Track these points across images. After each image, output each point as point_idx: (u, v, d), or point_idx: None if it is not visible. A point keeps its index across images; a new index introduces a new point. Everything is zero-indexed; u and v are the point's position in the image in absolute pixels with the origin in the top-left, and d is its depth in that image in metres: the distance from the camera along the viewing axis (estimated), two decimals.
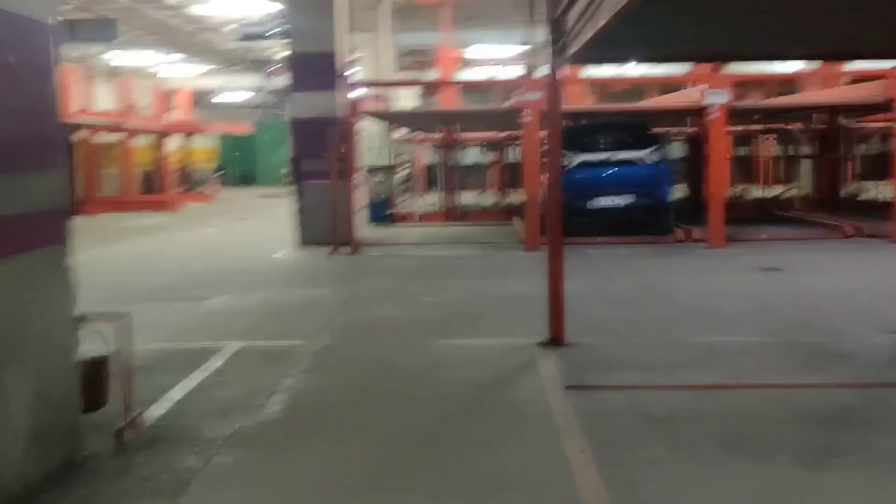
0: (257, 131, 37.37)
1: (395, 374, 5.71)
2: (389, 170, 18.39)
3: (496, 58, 28.30)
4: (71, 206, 4.24)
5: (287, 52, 14.34)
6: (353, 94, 13.97)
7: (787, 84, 20.40)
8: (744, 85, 19.15)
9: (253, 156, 39.28)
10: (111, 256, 13.10)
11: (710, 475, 3.83)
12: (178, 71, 31.51)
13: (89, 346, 4.33)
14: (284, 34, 16.37)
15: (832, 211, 15.72)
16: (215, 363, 6.01)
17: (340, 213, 12.88)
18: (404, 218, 17.73)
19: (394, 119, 18.75)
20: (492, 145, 21.52)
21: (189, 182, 30.13)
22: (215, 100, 37.12)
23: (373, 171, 17.73)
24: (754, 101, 18.09)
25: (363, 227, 14.83)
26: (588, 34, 4.93)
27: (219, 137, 36.63)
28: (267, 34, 22.35)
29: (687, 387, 5.22)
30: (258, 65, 30.34)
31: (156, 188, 27.44)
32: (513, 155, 19.84)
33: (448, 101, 22.90)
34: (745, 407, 4.80)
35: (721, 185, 12.22)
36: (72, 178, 22.52)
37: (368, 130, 18.38)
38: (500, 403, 5.01)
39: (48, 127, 3.97)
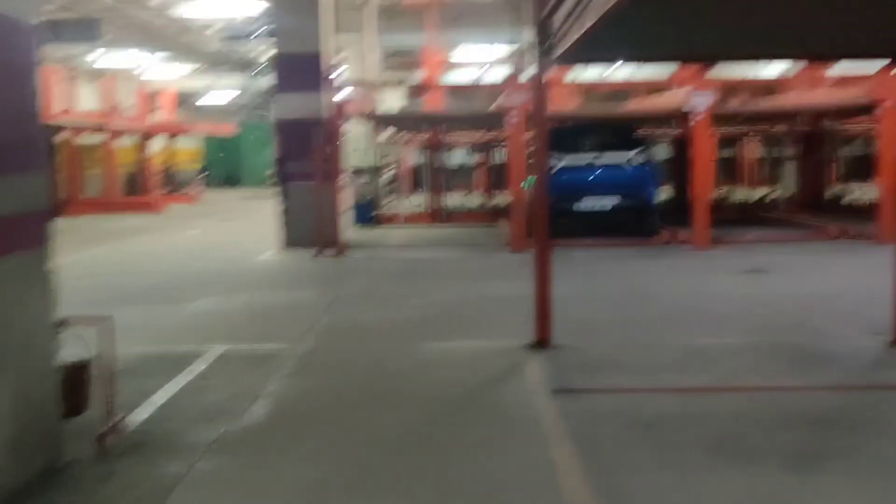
0: (242, 132, 37.16)
1: (379, 378, 5.67)
2: (375, 171, 18.34)
3: (482, 59, 28.31)
4: (53, 207, 4.18)
5: (272, 53, 14.25)
6: (338, 95, 13.92)
7: (772, 87, 20.51)
8: (729, 88, 19.22)
9: (238, 157, 39.08)
10: (94, 258, 12.99)
11: (696, 480, 3.82)
12: (162, 71, 31.32)
13: (70, 350, 4.27)
14: (269, 34, 16.30)
15: (816, 212, 15.81)
16: (199, 367, 5.95)
17: (325, 215, 12.82)
18: (390, 219, 17.68)
19: (379, 120, 18.69)
20: (478, 147, 21.51)
21: (173, 183, 29.96)
22: (200, 101, 36.92)
23: (358, 172, 17.69)
24: (739, 103, 18.15)
25: (348, 229, 14.78)
26: (575, 35, 4.91)
27: (203, 138, 36.41)
28: (252, 35, 22.26)
29: (674, 390, 5.21)
30: (243, 65, 30.22)
31: (139, 189, 27.26)
32: (499, 156, 19.84)
33: (434, 103, 22.87)
34: (731, 410, 4.80)
35: (706, 186, 12.25)
36: (54, 179, 22.42)
37: (354, 131, 18.33)
38: (487, 408, 4.98)
39: (30, 128, 3.91)
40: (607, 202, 12.92)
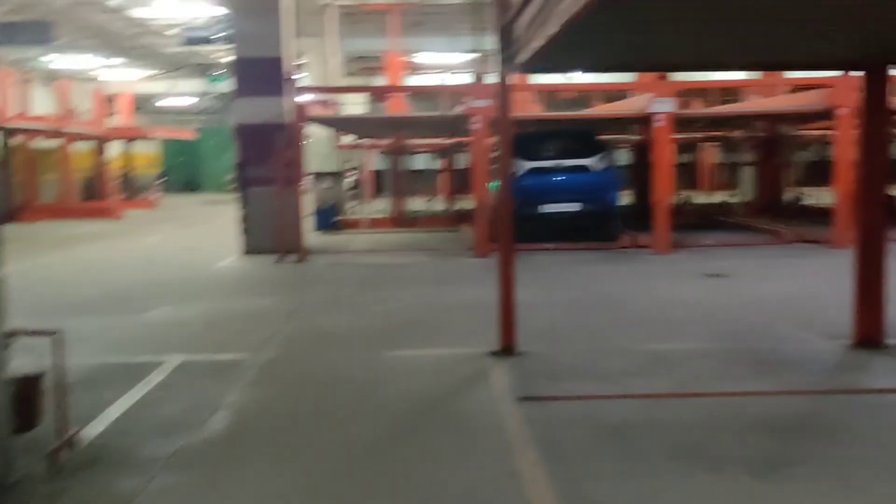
0: (201, 137, 36.74)
1: (342, 388, 5.59)
2: (337, 176, 18.22)
3: (445, 64, 28.33)
4: (5, 213, 4.05)
5: (232, 57, 14.08)
6: (299, 100, 13.79)
7: (730, 92, 20.79)
8: (688, 93, 19.44)
9: (197, 162, 38.62)
10: (48, 266, 12.70)
11: (662, 487, 3.80)
12: (119, 75, 30.85)
13: (22, 362, 4.13)
14: (229, 38, 16.11)
15: (774, 217, 16.02)
16: (156, 378, 5.82)
17: (287, 221, 12.69)
18: (352, 225, 17.58)
19: (341, 125, 18.59)
20: (441, 151, 21.49)
21: (131, 189, 29.48)
22: (158, 104, 36.42)
23: (320, 177, 17.55)
24: (698, 109, 18.35)
25: (310, 235, 14.64)
26: (538, 43, 4.89)
27: (162, 143, 35.91)
28: (211, 38, 22.00)
29: (639, 396, 5.20)
30: (202, 69, 29.86)
31: (97, 195, 26.78)
32: (462, 161, 19.83)
33: (396, 108, 22.81)
34: (696, 416, 4.80)
35: (666, 191, 12.34)
36: (8, 184, 21.95)
37: (315, 136, 18.19)
38: (451, 417, 4.93)
39: None
40: (570, 207, 12.96)
